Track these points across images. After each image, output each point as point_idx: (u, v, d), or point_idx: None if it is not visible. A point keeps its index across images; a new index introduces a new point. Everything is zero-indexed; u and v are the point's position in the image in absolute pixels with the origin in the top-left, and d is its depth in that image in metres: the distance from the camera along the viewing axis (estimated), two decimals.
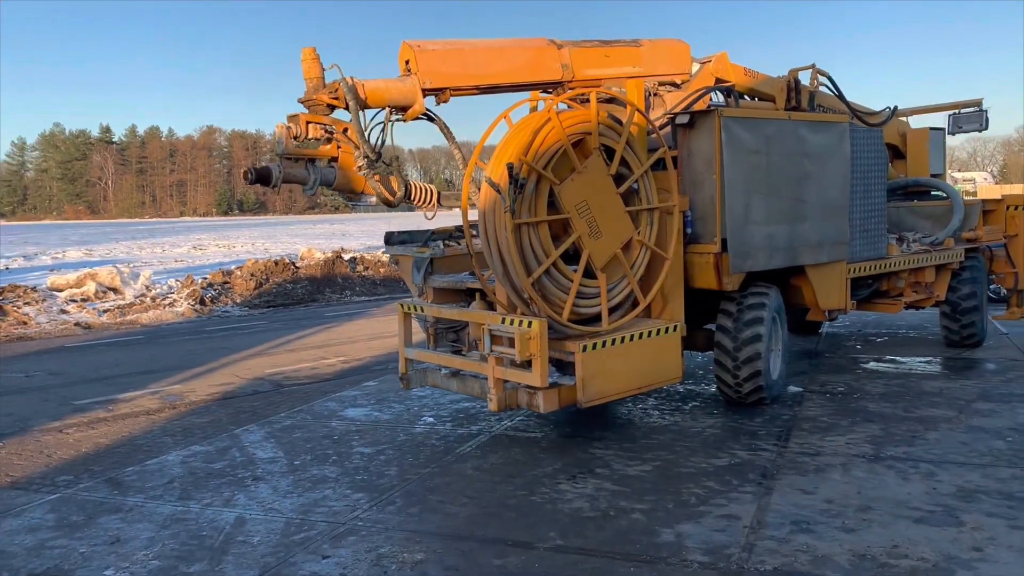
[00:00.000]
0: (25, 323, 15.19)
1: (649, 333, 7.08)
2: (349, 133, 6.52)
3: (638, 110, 7.15)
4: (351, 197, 6.84)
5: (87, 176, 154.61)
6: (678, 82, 8.82)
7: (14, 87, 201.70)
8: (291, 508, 5.73)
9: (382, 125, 6.84)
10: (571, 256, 6.79)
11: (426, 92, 6.99)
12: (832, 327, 12.62)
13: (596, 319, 6.84)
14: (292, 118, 6.40)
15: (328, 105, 6.49)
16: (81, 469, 6.86)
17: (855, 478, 5.91)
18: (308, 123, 6.37)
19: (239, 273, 19.52)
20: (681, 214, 7.54)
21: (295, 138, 6.36)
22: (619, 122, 6.98)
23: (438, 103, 7.17)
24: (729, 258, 7.59)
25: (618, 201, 6.92)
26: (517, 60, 7.49)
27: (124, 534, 5.37)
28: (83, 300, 16.92)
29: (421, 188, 7.13)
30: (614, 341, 6.80)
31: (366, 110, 6.70)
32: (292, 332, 14.41)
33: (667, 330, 7.22)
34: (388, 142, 6.81)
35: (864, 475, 5.97)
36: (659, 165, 7.62)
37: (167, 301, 17.29)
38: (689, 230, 7.79)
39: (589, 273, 6.81)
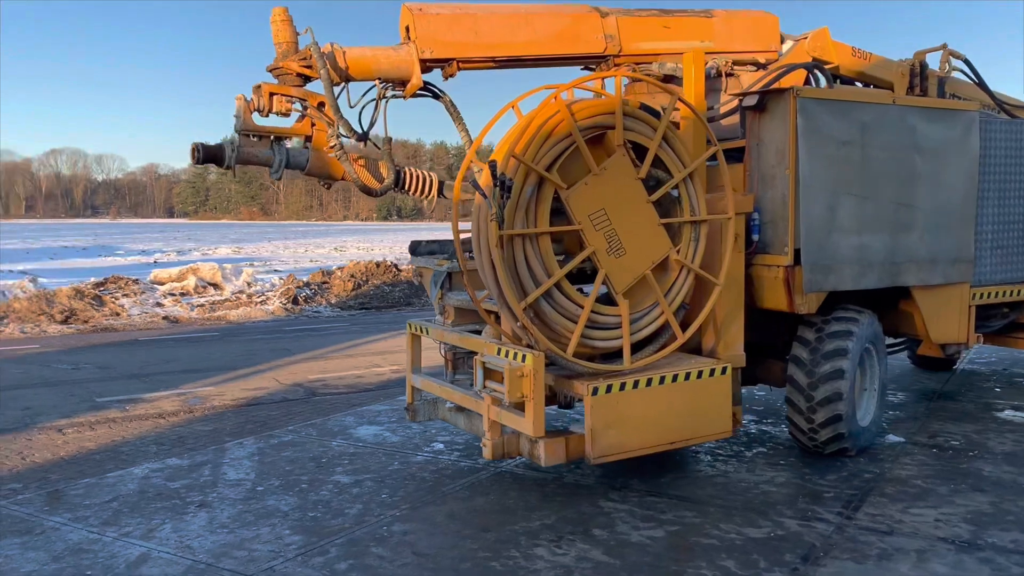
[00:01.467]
0: (118, 314, 15.29)
1: (687, 375, 5.69)
2: (326, 109, 5.55)
3: (680, 99, 5.78)
4: (329, 183, 5.87)
5: (261, 180, 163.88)
6: (761, 61, 7.35)
7: (199, 93, 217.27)
8: (209, 548, 4.80)
9: (375, 101, 5.87)
10: (593, 277, 5.56)
11: (428, 64, 5.94)
12: (972, 364, 10.59)
13: (619, 355, 5.57)
14: (256, 89, 5.50)
15: (301, 76, 5.54)
16: (38, 476, 6.23)
17: (931, 574, 4.35)
18: (272, 95, 5.44)
19: (339, 274, 19.14)
20: (742, 221, 6.14)
21: (258, 112, 5.45)
22: (655, 113, 5.66)
23: (445, 77, 6.10)
24: (803, 273, 6.11)
25: (649, 211, 5.60)
26: (546, 29, 6.30)
27: (6, 566, 4.59)
28: (181, 294, 16.97)
29: (417, 175, 6.07)
30: (636, 383, 5.48)
31: (349, 82, 5.73)
32: (366, 336, 13.71)
33: (712, 372, 5.79)
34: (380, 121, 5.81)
35: (946, 570, 4.39)
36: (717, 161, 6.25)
37: (262, 299, 17.08)
38: (755, 237, 6.36)
39: (611, 298, 5.55)
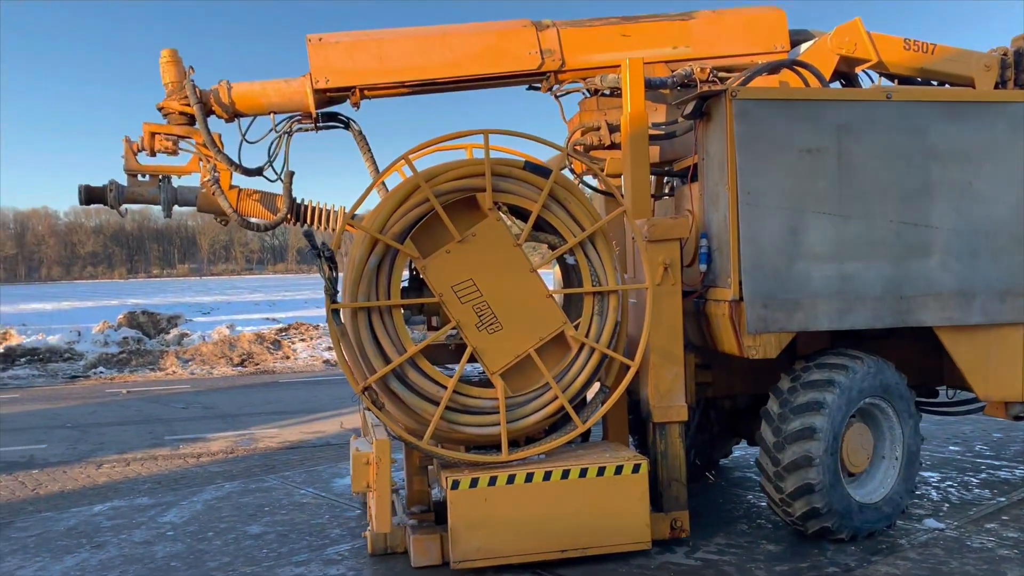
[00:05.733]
0: (288, 357, 16.35)
1: (583, 471, 4.85)
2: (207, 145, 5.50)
3: (568, 153, 5.11)
4: (225, 220, 5.77)
5: None
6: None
7: None
8: None
9: (282, 136, 5.74)
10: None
11: (328, 94, 5.70)
12: None
13: (514, 443, 4.99)
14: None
15: (185, 114, 5.54)
16: (18, 509, 6.65)
17: None
18: (154, 134, 5.48)
19: None
20: (676, 250, 5.23)
21: (142, 151, 5.53)
22: (543, 172, 4.98)
23: (353, 106, 5.83)
24: (746, 310, 5.02)
25: (533, 281, 4.95)
26: (465, 49, 5.81)
27: None
28: None
29: (319, 209, 5.82)
30: (512, 478, 4.78)
31: (239, 118, 5.66)
32: None
33: (620, 469, 4.88)
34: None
35: None
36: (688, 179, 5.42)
37: None
38: (702, 267, 5.37)
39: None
